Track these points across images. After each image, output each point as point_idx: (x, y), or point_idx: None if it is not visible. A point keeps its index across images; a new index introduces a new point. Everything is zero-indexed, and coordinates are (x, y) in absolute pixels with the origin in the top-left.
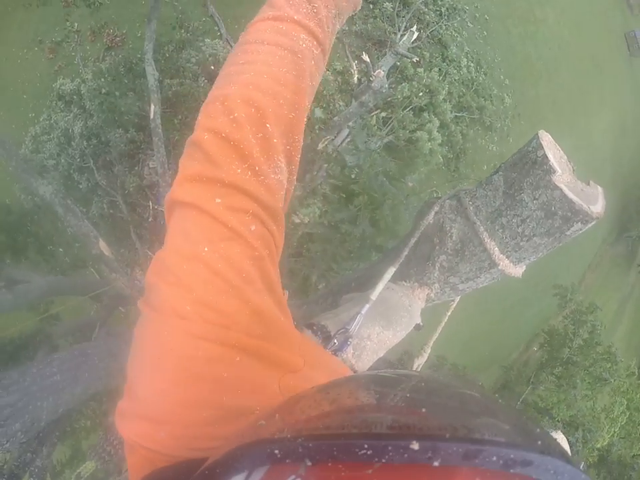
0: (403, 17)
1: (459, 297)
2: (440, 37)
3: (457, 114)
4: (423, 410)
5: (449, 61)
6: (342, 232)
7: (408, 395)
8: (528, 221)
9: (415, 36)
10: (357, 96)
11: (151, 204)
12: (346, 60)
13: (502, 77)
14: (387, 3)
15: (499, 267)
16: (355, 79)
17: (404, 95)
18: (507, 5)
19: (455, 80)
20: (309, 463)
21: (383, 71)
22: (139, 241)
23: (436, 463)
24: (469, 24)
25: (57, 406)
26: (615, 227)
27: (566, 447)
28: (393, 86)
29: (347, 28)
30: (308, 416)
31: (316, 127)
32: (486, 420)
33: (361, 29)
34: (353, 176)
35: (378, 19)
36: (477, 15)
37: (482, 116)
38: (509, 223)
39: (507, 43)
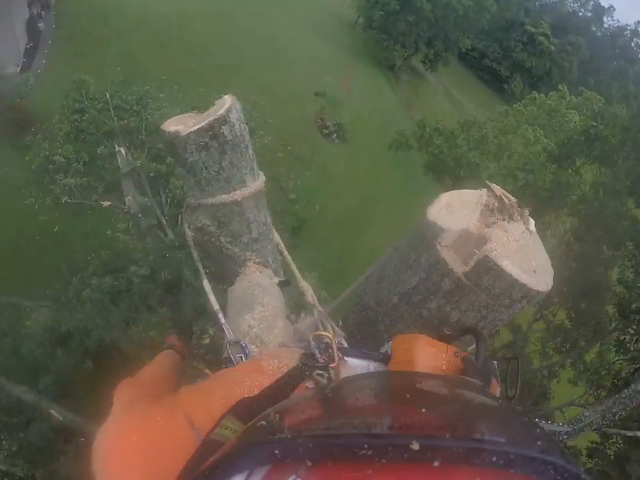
0: None
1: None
2: None
3: None
4: (423, 410)
5: None
6: None
7: (407, 396)
8: None
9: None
10: None
11: None
12: None
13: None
14: None
15: None
16: None
17: None
18: None
19: None
20: (309, 463)
21: None
22: None
23: (436, 463)
24: None
25: None
26: None
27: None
28: None
29: None
30: (308, 416)
31: None
32: (486, 420)
33: None
34: None
35: None
36: None
37: None
38: None
39: None
